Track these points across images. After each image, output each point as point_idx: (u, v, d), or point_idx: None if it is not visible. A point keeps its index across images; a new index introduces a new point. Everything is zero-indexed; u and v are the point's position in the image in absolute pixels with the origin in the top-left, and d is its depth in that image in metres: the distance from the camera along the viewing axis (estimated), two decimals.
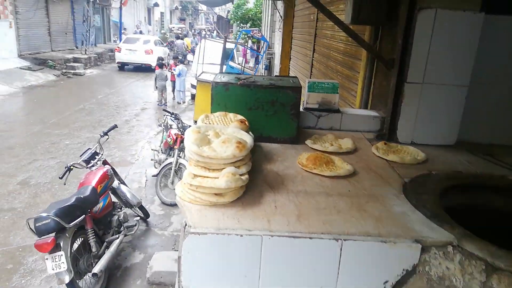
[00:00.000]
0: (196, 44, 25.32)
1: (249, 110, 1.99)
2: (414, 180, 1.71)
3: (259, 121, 1.99)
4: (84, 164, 4.21)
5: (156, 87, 11.51)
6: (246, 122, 1.77)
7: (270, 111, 2.00)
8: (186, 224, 1.30)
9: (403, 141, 2.19)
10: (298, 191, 1.51)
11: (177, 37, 22.77)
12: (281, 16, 7.92)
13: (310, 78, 4.93)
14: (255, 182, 1.54)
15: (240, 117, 1.84)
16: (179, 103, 12.15)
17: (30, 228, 3.22)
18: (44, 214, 3.19)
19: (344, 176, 1.67)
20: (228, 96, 2.00)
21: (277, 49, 9.77)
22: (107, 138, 4.65)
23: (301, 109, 2.23)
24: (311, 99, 2.29)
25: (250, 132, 1.76)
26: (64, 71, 15.10)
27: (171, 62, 12.16)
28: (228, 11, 31.64)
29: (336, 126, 2.31)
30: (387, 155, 1.95)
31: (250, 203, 1.38)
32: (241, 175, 1.39)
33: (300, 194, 1.49)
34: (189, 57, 14.74)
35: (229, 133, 1.56)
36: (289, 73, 7.46)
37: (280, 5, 8.59)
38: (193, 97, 12.35)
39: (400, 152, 2.01)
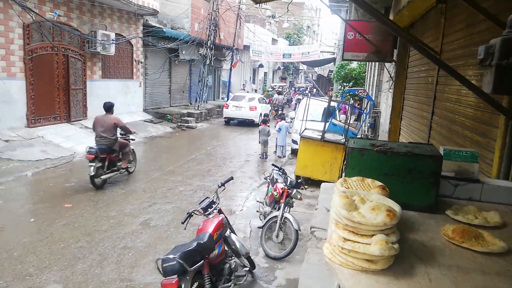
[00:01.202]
0: (290, 100, 26.93)
1: (385, 176, 2.01)
2: None
3: (395, 187, 1.98)
4: (202, 212, 4.55)
5: (260, 141, 12.17)
6: (387, 189, 1.80)
7: (407, 178, 1.99)
8: (339, 286, 1.34)
9: None
10: (450, 265, 1.45)
11: (279, 93, 26.03)
12: (391, 78, 7.91)
13: (429, 140, 4.75)
14: (401, 251, 1.53)
15: (378, 183, 1.87)
16: (279, 157, 12.53)
17: (158, 268, 3.54)
18: (171, 256, 3.50)
19: (498, 253, 1.57)
20: (363, 161, 2.05)
21: (384, 108, 9.65)
22: (224, 189, 4.99)
23: None
24: (447, 166, 2.23)
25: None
26: (179, 124, 16.88)
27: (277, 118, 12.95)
28: (330, 71, 32.50)
29: (476, 196, 2.19)
30: None
31: (401, 273, 1.37)
32: (392, 243, 1.41)
33: (453, 268, 1.43)
34: (291, 114, 15.39)
35: (375, 200, 1.61)
36: (399, 133, 7.28)
37: (389, 66, 8.61)
38: (293, 151, 12.70)
39: None
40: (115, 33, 14.33)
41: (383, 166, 2.04)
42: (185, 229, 4.47)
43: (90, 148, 7.61)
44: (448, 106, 4.07)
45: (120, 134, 8.47)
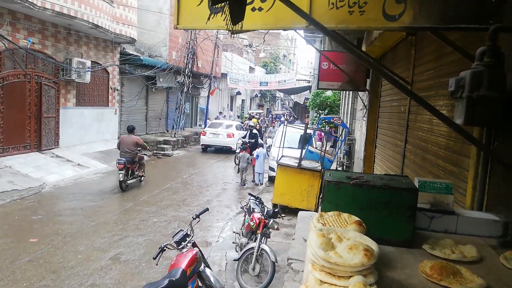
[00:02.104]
0: (267, 126, 27.29)
1: (361, 210, 1.96)
2: None
3: (371, 222, 1.93)
4: (176, 246, 4.37)
5: (239, 168, 12.16)
6: (363, 224, 1.74)
7: (383, 212, 1.95)
8: None
9: None
10: None
11: (250, 118, 26.55)
12: (365, 106, 8.07)
13: (403, 169, 4.79)
14: None
15: (355, 218, 1.82)
16: (257, 184, 12.46)
17: None
18: None
19: None
20: (339, 195, 2.01)
21: (358, 135, 9.79)
22: (198, 221, 4.84)
23: None
24: (422, 198, 2.20)
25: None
26: (155, 151, 16.59)
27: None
28: (306, 98, 33.15)
29: (452, 229, 2.16)
30: None
31: None
32: (370, 285, 1.34)
33: None
34: (268, 141, 15.55)
35: (352, 238, 1.54)
36: (374, 160, 7.35)
37: (362, 94, 8.81)
38: (270, 179, 12.65)
39: None
40: (91, 61, 14.19)
41: (359, 199, 1.99)
42: (156, 264, 4.27)
43: (119, 159, 9.99)
44: (421, 135, 4.13)
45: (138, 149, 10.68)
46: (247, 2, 2.63)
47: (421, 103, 2.46)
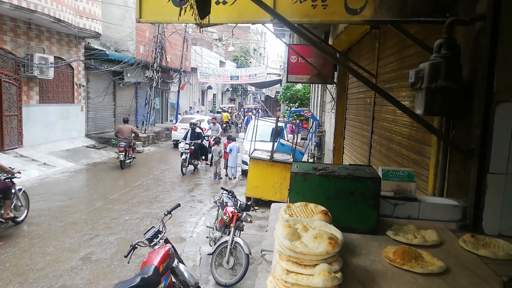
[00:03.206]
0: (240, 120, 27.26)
1: (328, 199, 2.01)
2: None
3: (338, 211, 1.99)
4: (147, 243, 4.32)
5: (212, 162, 12.17)
6: (329, 214, 1.79)
7: (349, 201, 2.01)
8: None
9: (489, 233, 2.08)
10: None
11: (218, 112, 27.22)
12: (333, 98, 8.21)
13: (370, 158, 4.93)
14: (345, 279, 1.50)
15: (321, 208, 1.86)
16: (230, 178, 12.47)
17: None
18: None
19: (437, 273, 1.59)
20: (306, 186, 2.05)
21: (328, 127, 9.96)
22: (170, 217, 4.80)
23: None
24: (386, 186, 2.28)
25: (332, 224, 1.77)
26: None
27: (225, 141, 12.99)
28: (277, 92, 33.31)
29: (414, 215, 2.25)
30: (477, 249, 1.84)
31: None
32: (335, 272, 1.38)
33: None
34: (241, 135, 15.47)
35: (317, 227, 1.58)
36: (343, 151, 7.51)
37: (331, 87, 8.95)
38: (243, 172, 12.68)
39: (490, 246, 1.90)
40: (54, 56, 13.67)
41: (326, 190, 2.04)
42: (128, 262, 4.22)
43: (120, 144, 12.60)
44: (386, 126, 4.26)
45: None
46: None
47: (383, 95, 2.54)
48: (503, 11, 2.04)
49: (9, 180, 6.80)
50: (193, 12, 2.15)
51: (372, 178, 2.00)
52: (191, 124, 13.99)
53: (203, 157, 13.65)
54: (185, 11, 2.10)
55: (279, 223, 1.56)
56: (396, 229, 2.04)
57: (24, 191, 7.41)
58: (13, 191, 6.88)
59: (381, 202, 2.28)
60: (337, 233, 1.54)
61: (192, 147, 12.72)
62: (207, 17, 2.28)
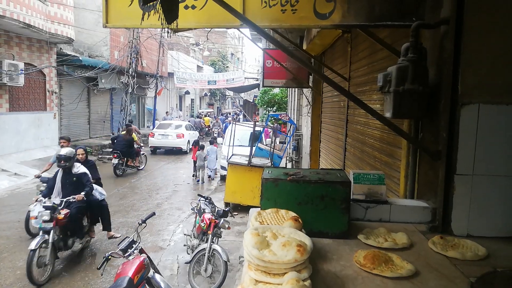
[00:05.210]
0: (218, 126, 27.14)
1: (299, 205, 2.00)
2: (481, 280, 1.60)
3: (309, 216, 1.98)
4: (122, 253, 4.21)
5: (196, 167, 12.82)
6: (300, 220, 1.77)
7: (320, 206, 2.00)
8: None
9: (458, 233, 2.11)
10: None
11: (198, 116, 27.50)
12: (309, 102, 8.26)
13: (344, 161, 4.97)
14: (314, 285, 1.48)
15: (292, 214, 1.84)
16: (212, 179, 13.04)
17: None
18: None
19: (406, 276, 1.60)
20: (277, 191, 2.03)
21: (305, 131, 10.03)
22: (145, 226, 4.70)
23: None
24: (358, 190, 2.29)
25: (303, 230, 1.75)
26: (100, 156, 15.87)
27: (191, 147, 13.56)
28: (255, 96, 33.37)
29: (385, 217, 2.27)
30: (446, 250, 1.87)
31: None
32: (304, 280, 1.36)
33: None
34: (219, 140, 15.37)
35: (287, 234, 1.56)
36: (319, 155, 7.56)
37: (306, 91, 9.02)
38: (222, 178, 12.61)
39: (459, 247, 1.92)
40: (25, 63, 13.26)
41: (297, 195, 2.03)
42: (101, 274, 4.09)
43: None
44: (359, 129, 4.31)
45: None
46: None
47: (352, 99, 2.55)
48: (466, 15, 2.08)
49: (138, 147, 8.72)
50: (159, 16, 2.10)
51: (342, 182, 2.00)
52: (60, 159, 6.33)
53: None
54: (148, 16, 2.04)
55: (247, 232, 1.53)
56: (367, 232, 2.04)
57: (145, 154, 8.47)
58: (138, 154, 8.85)
59: (353, 205, 2.29)
60: (306, 240, 1.52)
61: (64, 214, 5.85)
62: (175, 21, 2.23)
